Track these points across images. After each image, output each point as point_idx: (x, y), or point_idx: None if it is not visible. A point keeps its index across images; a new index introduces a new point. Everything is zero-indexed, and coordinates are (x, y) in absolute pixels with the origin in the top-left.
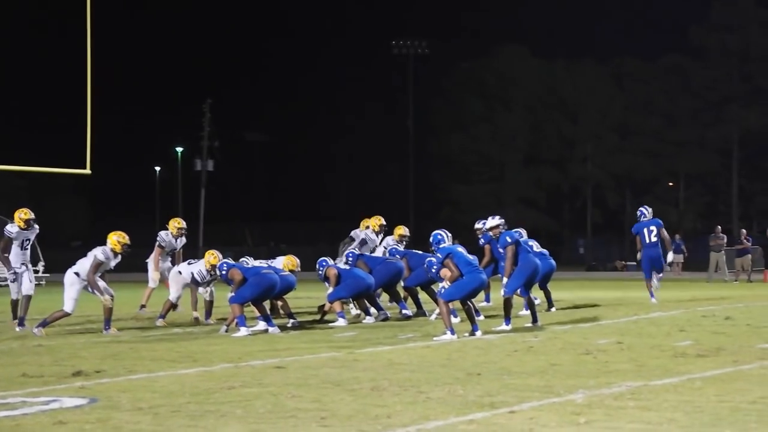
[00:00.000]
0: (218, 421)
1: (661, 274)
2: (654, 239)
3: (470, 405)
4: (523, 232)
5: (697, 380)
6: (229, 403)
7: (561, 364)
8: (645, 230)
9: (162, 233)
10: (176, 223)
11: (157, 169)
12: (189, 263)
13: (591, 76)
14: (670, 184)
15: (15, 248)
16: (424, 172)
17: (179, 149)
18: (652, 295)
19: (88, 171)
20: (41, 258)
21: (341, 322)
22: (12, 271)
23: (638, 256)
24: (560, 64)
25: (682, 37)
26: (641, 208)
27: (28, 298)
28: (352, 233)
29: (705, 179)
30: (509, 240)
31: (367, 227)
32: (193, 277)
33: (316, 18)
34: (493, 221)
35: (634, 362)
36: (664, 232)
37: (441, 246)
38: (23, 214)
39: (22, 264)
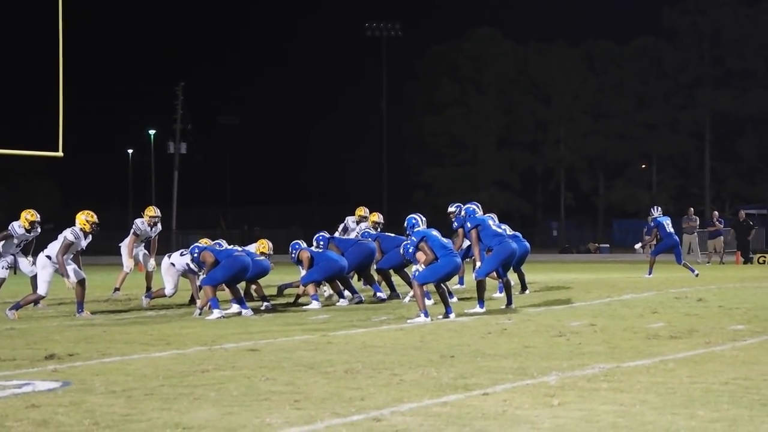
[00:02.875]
0: (192, 404)
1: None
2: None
3: (444, 387)
4: (494, 216)
5: (669, 362)
6: (202, 386)
7: (534, 347)
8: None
9: (138, 221)
10: (149, 212)
11: (130, 152)
12: (182, 254)
13: (563, 58)
14: (643, 166)
15: (9, 243)
16: (397, 155)
17: (152, 132)
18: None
19: (60, 154)
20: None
21: (315, 304)
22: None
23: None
24: (532, 47)
25: (654, 20)
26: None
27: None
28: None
29: (677, 161)
30: (469, 225)
31: (363, 217)
32: (188, 267)
33: (289, 0)
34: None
35: (607, 344)
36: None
37: (416, 230)
38: (29, 215)
39: (11, 255)
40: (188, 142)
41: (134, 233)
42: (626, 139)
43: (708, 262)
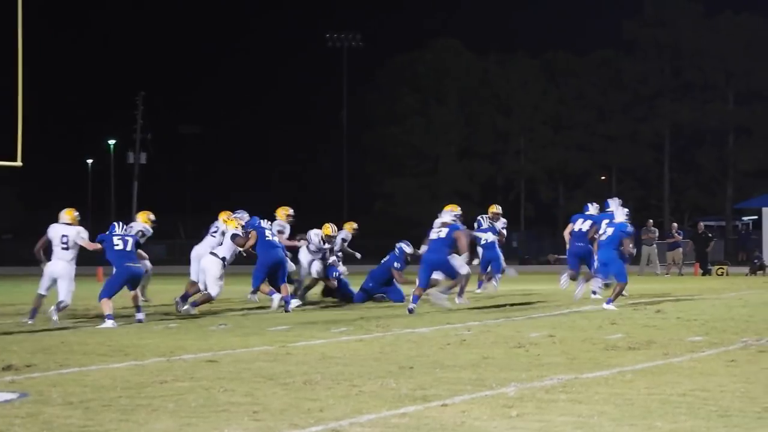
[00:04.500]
0: (150, 415)
1: None
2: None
3: (403, 398)
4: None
5: (627, 373)
6: (160, 398)
7: (493, 358)
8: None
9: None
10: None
11: (90, 161)
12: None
13: (523, 69)
14: (602, 178)
15: None
16: (358, 165)
17: (112, 142)
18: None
19: (19, 163)
20: None
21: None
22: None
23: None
24: (493, 58)
25: (613, 32)
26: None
27: None
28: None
29: (637, 173)
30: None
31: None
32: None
33: (250, 10)
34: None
35: (565, 355)
36: None
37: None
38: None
39: None
40: (148, 151)
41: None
42: (586, 150)
43: (667, 274)
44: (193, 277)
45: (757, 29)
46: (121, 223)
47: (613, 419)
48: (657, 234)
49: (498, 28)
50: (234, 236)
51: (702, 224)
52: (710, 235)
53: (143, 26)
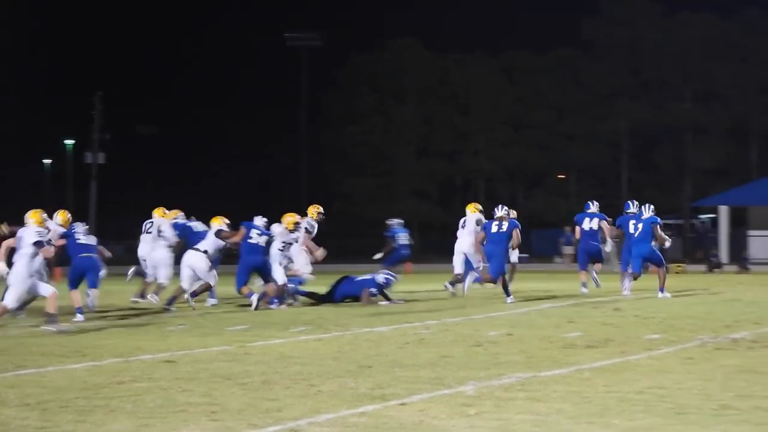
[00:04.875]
0: (107, 416)
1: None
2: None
3: (361, 397)
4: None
5: (585, 371)
6: (118, 398)
7: (452, 356)
8: (630, 223)
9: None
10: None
11: (47, 162)
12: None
13: (482, 69)
14: (561, 176)
15: None
16: (317, 165)
17: (69, 142)
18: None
19: None
20: None
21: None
22: None
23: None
24: (452, 57)
25: (572, 31)
26: (629, 202)
27: None
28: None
29: (595, 172)
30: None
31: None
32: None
33: (208, 9)
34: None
35: (524, 354)
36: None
37: None
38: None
39: None
40: (106, 152)
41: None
42: (545, 149)
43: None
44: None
45: (714, 28)
46: (83, 223)
47: (571, 417)
48: (616, 233)
49: (457, 27)
50: (218, 231)
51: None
52: (668, 233)
53: (101, 25)
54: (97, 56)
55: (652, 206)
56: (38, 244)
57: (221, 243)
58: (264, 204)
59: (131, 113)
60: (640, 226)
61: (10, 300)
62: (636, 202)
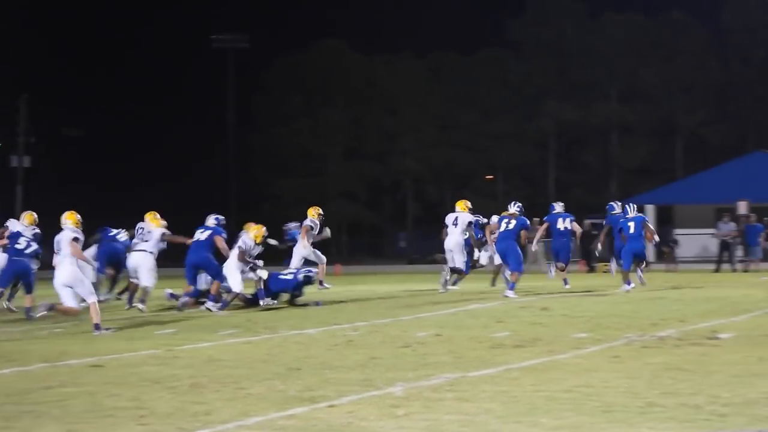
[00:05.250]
0: (35, 421)
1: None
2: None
3: (290, 400)
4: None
5: (513, 370)
6: (45, 404)
7: (381, 358)
8: (631, 224)
9: None
10: None
11: None
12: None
13: (409, 70)
14: (489, 177)
15: None
16: (246, 167)
17: None
18: (628, 283)
19: None
20: None
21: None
22: None
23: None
24: (379, 59)
25: (498, 31)
26: (614, 203)
27: None
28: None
29: (523, 172)
30: None
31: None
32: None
33: (134, 11)
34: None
35: (452, 354)
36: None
37: None
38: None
39: None
40: (32, 155)
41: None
42: (472, 149)
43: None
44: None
45: (638, 28)
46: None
47: (499, 417)
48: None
49: (384, 28)
50: (162, 234)
51: (587, 222)
52: (596, 232)
53: (25, 27)
54: (22, 58)
55: (635, 205)
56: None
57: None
58: (192, 206)
59: (57, 116)
60: (632, 224)
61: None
62: (619, 203)
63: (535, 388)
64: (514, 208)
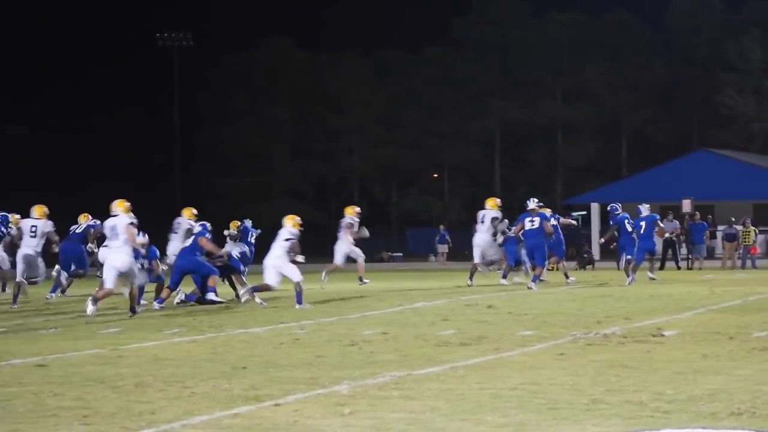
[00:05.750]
0: None
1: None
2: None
3: (235, 399)
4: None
5: (459, 368)
6: None
7: (327, 356)
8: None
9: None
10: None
11: None
12: None
13: (354, 68)
14: (435, 175)
15: None
16: (191, 165)
17: None
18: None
19: None
20: None
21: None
22: None
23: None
24: (324, 57)
25: (443, 30)
26: (616, 205)
27: None
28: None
29: (468, 170)
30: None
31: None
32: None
33: (77, 9)
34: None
35: (398, 352)
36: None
37: None
38: None
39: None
40: None
41: None
42: (418, 148)
43: (499, 269)
44: None
45: (582, 28)
46: None
47: (445, 414)
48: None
49: (329, 27)
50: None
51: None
52: None
53: None
54: None
55: (647, 205)
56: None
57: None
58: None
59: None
60: (643, 223)
61: (111, 282)
62: (620, 204)
63: (480, 385)
64: (533, 204)
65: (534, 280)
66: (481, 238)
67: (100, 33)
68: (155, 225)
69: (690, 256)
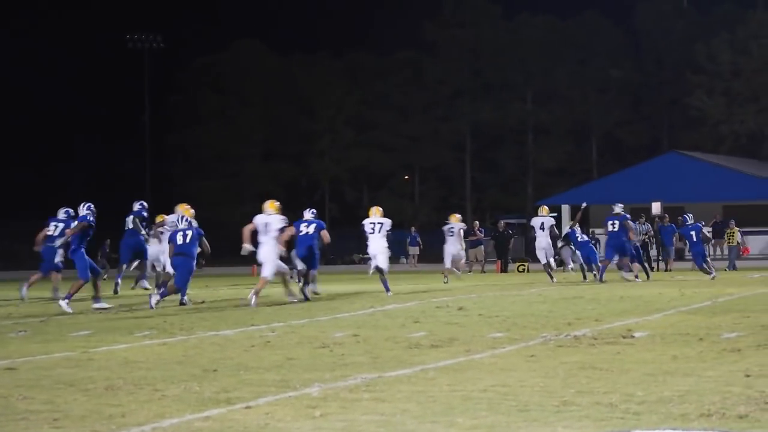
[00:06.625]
0: None
1: None
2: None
3: (206, 401)
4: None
5: (430, 370)
6: None
7: (298, 358)
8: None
9: None
10: None
11: None
12: None
13: (326, 70)
14: (406, 177)
15: None
16: (162, 168)
17: None
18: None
19: None
20: None
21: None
22: None
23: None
24: (296, 59)
25: (415, 33)
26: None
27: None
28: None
29: (439, 172)
30: None
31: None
32: None
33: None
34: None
35: (369, 354)
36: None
37: None
38: None
39: None
40: None
41: None
42: (389, 150)
43: (470, 271)
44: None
45: (553, 30)
46: None
47: (416, 417)
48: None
49: (300, 29)
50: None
51: (503, 222)
52: (511, 232)
53: None
54: None
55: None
56: (282, 230)
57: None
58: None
59: None
60: (693, 233)
61: (269, 273)
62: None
63: (451, 387)
64: (618, 208)
65: (628, 272)
66: (543, 242)
67: (70, 34)
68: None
69: (660, 258)
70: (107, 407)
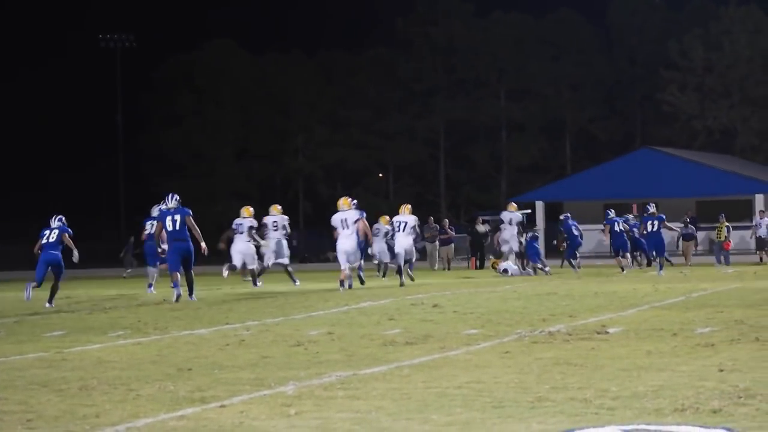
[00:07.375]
0: None
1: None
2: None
3: (180, 401)
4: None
5: (405, 368)
6: None
7: (272, 357)
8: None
9: None
10: None
11: None
12: None
13: (299, 69)
14: (380, 175)
15: None
16: (135, 167)
17: None
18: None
19: None
20: None
21: None
22: None
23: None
24: (269, 58)
25: (388, 30)
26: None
27: None
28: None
29: (413, 170)
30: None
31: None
32: None
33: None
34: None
35: (344, 352)
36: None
37: None
38: None
39: None
40: None
41: None
42: (363, 148)
43: (445, 269)
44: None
45: (526, 27)
46: None
47: (390, 414)
48: (438, 231)
49: (273, 27)
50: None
51: (481, 219)
52: (489, 229)
53: None
54: None
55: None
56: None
57: None
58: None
59: None
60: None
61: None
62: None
63: (426, 384)
64: (653, 208)
65: (661, 269)
66: (509, 234)
67: (42, 34)
68: (102, 227)
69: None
70: (81, 407)
